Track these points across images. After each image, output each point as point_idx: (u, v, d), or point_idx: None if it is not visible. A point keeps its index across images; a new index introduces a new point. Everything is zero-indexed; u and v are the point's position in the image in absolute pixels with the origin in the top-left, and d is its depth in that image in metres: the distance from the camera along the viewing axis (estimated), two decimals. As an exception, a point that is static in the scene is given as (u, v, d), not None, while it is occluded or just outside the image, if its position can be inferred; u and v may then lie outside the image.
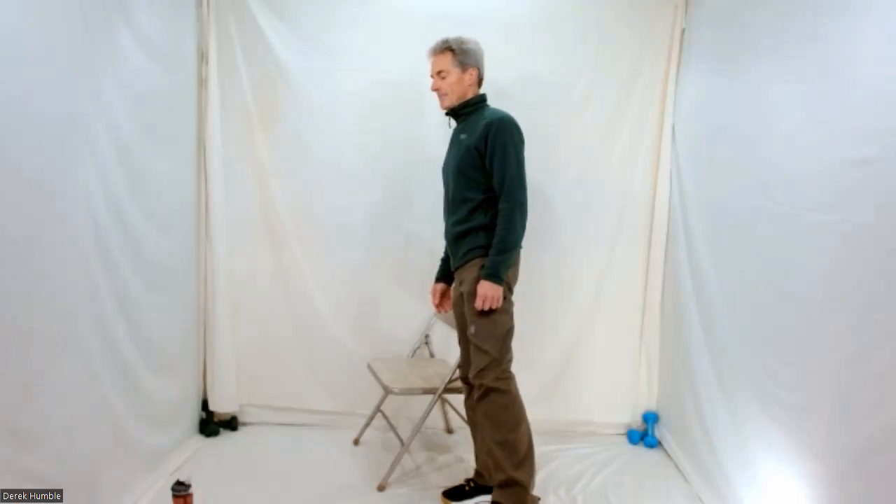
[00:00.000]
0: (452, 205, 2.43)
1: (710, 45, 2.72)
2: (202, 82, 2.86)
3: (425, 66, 2.45)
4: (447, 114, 2.48)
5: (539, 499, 2.43)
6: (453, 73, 2.38)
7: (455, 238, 2.41)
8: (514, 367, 2.39)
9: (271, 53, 2.93)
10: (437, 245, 2.78)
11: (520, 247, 2.37)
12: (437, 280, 2.67)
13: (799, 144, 1.99)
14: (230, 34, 2.89)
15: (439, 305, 2.67)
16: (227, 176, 2.95)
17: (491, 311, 2.27)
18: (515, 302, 2.37)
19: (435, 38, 2.42)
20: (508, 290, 2.32)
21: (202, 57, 2.85)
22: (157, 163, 2.50)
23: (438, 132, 2.91)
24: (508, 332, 2.34)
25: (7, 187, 1.68)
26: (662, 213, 3.06)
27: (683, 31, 2.94)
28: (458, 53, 2.37)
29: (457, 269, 2.44)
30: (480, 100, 2.43)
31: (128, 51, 2.23)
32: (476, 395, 2.35)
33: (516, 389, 2.35)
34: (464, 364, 2.55)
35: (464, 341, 2.52)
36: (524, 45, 2.97)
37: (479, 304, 2.25)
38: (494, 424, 2.30)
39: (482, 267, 2.27)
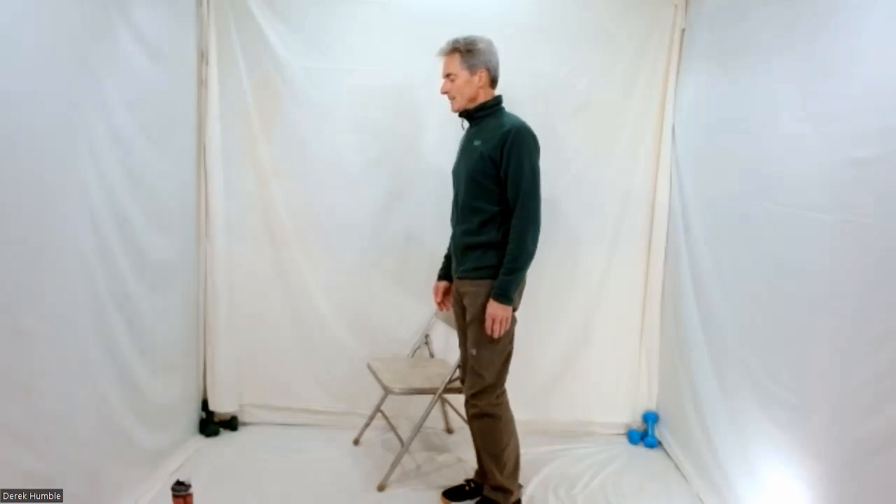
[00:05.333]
0: (462, 213, 2.36)
1: (710, 45, 2.72)
2: (202, 82, 2.86)
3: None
4: (460, 115, 2.40)
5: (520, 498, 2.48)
6: (461, 76, 2.28)
7: (463, 248, 2.35)
8: (514, 368, 2.40)
9: (271, 53, 2.92)
10: (437, 245, 2.78)
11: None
12: (440, 278, 2.64)
13: (799, 144, 1.99)
14: (230, 34, 2.89)
15: (441, 303, 2.65)
16: (227, 176, 2.95)
17: (485, 335, 2.26)
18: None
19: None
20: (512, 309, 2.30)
21: (202, 57, 2.85)
22: (157, 163, 2.50)
23: (439, 132, 2.92)
24: (508, 358, 2.35)
25: (7, 187, 1.68)
26: (662, 212, 3.06)
27: (683, 31, 2.94)
28: (465, 54, 2.27)
29: (460, 278, 2.40)
30: (496, 103, 2.34)
31: (128, 51, 2.23)
32: (470, 411, 2.37)
33: (508, 410, 2.39)
34: (464, 365, 2.55)
35: (464, 343, 2.52)
36: (524, 45, 2.96)
37: (488, 326, 2.22)
38: (486, 441, 2.38)
39: (492, 288, 2.23)
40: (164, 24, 2.49)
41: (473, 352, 2.33)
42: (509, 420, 2.38)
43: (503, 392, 2.38)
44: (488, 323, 2.22)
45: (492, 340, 2.26)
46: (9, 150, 1.68)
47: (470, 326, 2.33)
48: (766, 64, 2.21)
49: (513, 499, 2.40)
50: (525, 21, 2.96)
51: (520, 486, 2.45)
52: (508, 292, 2.20)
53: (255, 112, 2.97)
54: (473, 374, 2.33)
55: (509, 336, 2.32)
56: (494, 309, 2.21)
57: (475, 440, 2.42)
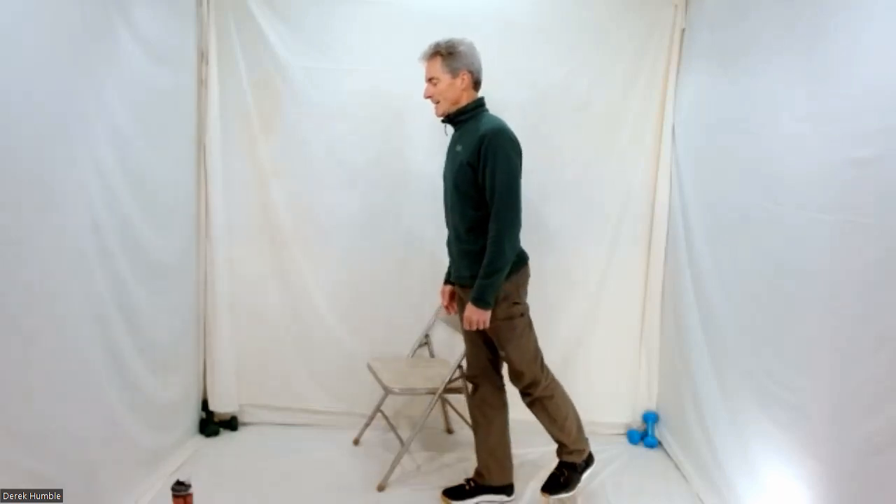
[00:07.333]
0: (452, 218, 2.39)
1: (710, 45, 2.72)
2: (202, 82, 2.86)
3: (422, 68, 2.44)
4: (443, 121, 2.40)
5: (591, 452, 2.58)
6: (444, 79, 2.27)
7: (458, 254, 2.39)
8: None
9: (271, 53, 2.92)
10: (437, 245, 2.78)
11: (526, 259, 2.38)
12: (446, 281, 2.65)
13: (799, 144, 1.99)
14: (230, 34, 2.89)
15: (448, 306, 2.65)
16: (227, 176, 2.95)
17: (509, 334, 2.33)
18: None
19: (435, 39, 2.37)
20: (514, 304, 2.32)
21: (202, 57, 2.85)
22: (157, 163, 2.50)
23: (439, 132, 2.91)
24: (537, 350, 2.42)
25: (7, 187, 1.68)
26: (662, 212, 3.05)
27: (683, 31, 2.94)
28: (447, 58, 2.26)
29: (461, 285, 2.45)
30: (477, 105, 2.31)
31: (127, 51, 2.23)
32: (525, 400, 2.47)
33: (558, 386, 2.48)
34: (470, 363, 2.57)
35: (469, 341, 2.53)
36: (524, 45, 2.96)
37: (465, 327, 2.30)
38: (549, 419, 2.46)
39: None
40: (164, 24, 2.49)
41: (503, 354, 2.41)
42: (562, 393, 2.49)
43: (548, 374, 2.46)
44: (465, 325, 2.29)
45: (511, 337, 2.33)
46: (9, 150, 1.68)
47: (489, 333, 2.37)
48: (766, 64, 2.21)
49: (585, 455, 2.54)
50: (525, 21, 2.96)
51: (586, 440, 2.56)
52: (486, 296, 2.22)
53: (255, 112, 2.97)
54: (514, 373, 2.43)
55: (528, 326, 2.39)
56: (471, 312, 2.25)
57: (539, 421, 2.50)
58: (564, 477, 2.49)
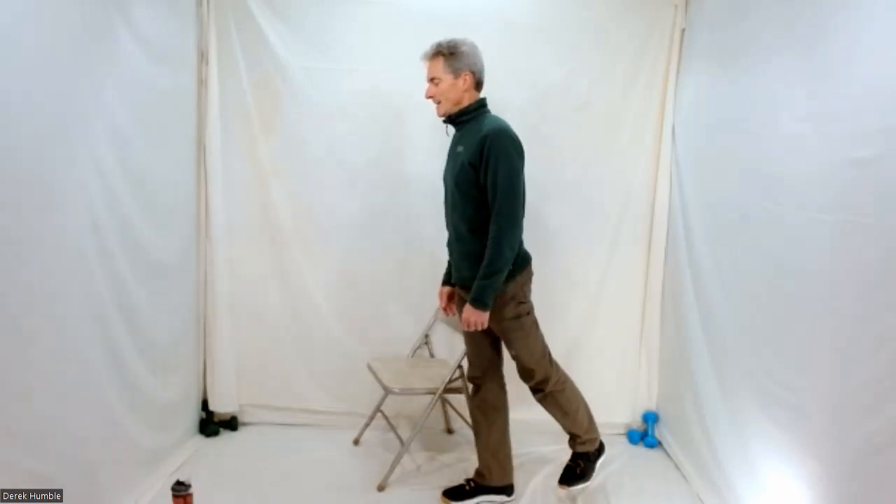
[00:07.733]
0: (453, 218, 2.39)
1: (710, 45, 2.72)
2: (202, 82, 2.86)
3: (423, 68, 2.44)
4: (445, 121, 2.39)
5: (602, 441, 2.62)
6: (446, 80, 2.26)
7: (459, 255, 2.40)
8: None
9: (271, 53, 2.92)
10: (436, 245, 2.78)
11: (530, 259, 2.39)
12: (444, 283, 2.65)
13: (799, 144, 1.99)
14: (230, 34, 2.89)
15: (446, 308, 2.65)
16: (226, 176, 2.95)
17: (518, 333, 2.35)
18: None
19: (435, 39, 2.36)
20: (520, 304, 2.33)
21: (202, 57, 2.85)
22: (157, 163, 2.50)
23: (439, 132, 2.91)
24: (544, 346, 2.43)
25: (7, 187, 1.68)
26: (662, 213, 3.05)
27: (683, 31, 2.94)
28: (449, 58, 2.25)
29: (462, 287, 2.44)
30: (479, 105, 2.31)
31: (127, 51, 2.23)
32: (536, 396, 2.48)
33: (567, 379, 2.49)
34: (472, 363, 2.57)
35: (471, 342, 2.53)
36: (524, 45, 2.96)
37: (463, 328, 2.31)
38: (562, 412, 2.49)
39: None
40: (164, 24, 2.49)
41: (512, 352, 2.42)
42: (572, 386, 2.50)
43: (557, 369, 2.47)
44: (463, 326, 2.30)
45: (519, 336, 2.35)
46: (9, 150, 1.68)
47: (498, 334, 2.39)
48: (766, 64, 2.21)
49: (597, 444, 2.58)
50: (525, 21, 2.96)
51: (597, 429, 2.59)
52: (484, 297, 2.22)
53: (255, 112, 2.97)
54: (524, 371, 2.43)
55: (534, 324, 2.40)
56: (469, 313, 2.26)
57: (551, 414, 2.51)
58: (580, 468, 2.51)
